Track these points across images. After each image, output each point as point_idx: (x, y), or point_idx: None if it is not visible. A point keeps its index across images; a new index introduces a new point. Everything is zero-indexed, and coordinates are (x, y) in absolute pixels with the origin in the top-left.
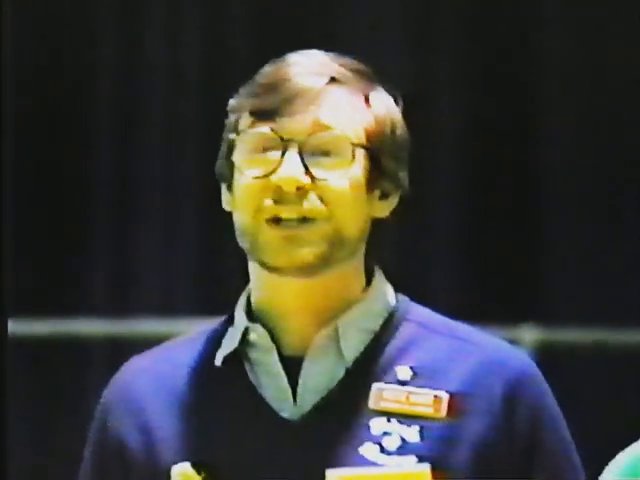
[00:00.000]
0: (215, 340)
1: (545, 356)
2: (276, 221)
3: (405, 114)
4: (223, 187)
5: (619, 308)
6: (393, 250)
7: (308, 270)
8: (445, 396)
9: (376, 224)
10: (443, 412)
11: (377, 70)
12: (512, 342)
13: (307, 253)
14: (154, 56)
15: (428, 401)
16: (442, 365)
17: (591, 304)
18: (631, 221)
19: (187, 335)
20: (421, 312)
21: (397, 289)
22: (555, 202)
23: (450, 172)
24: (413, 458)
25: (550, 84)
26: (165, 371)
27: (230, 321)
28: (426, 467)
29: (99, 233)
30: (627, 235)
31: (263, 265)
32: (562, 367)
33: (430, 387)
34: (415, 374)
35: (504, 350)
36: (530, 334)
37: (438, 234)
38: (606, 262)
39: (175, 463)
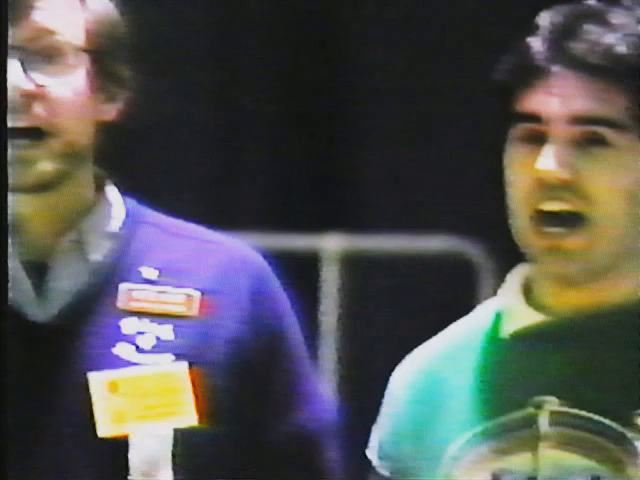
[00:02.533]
0: None
1: (349, 264)
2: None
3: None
4: None
5: (422, 215)
6: (199, 153)
7: (43, 187)
8: (197, 294)
9: (104, 127)
10: (195, 310)
11: None
12: (318, 251)
13: (40, 171)
14: None
15: (180, 300)
16: (187, 265)
17: (396, 211)
18: (433, 131)
19: None
20: (155, 215)
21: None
22: (359, 111)
23: (258, 74)
24: (170, 356)
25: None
26: None
27: None
28: (184, 365)
29: None
30: (429, 141)
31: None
32: (365, 275)
33: (178, 286)
34: (160, 274)
35: (244, 248)
36: (334, 242)
37: (245, 141)
38: (409, 170)
39: None
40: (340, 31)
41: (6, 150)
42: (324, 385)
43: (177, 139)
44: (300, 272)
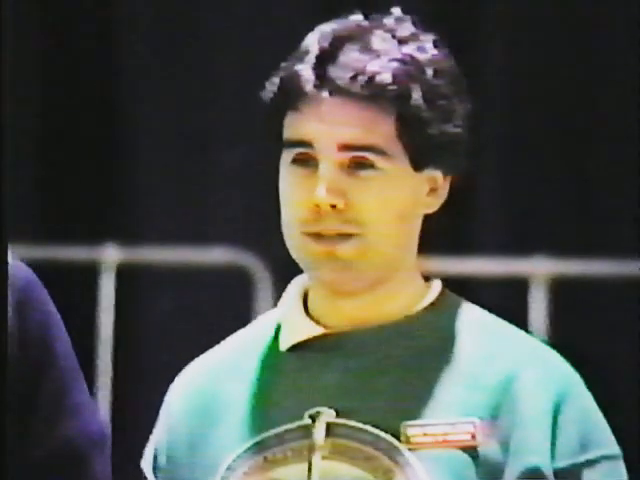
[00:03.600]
0: None
1: (127, 276)
2: None
3: None
4: None
5: (202, 227)
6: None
7: None
8: None
9: None
10: None
11: None
12: (96, 262)
13: None
14: None
15: None
16: None
17: (175, 223)
18: (213, 142)
19: None
20: None
21: None
22: (134, 119)
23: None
24: None
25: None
26: None
27: None
28: None
29: None
30: (211, 152)
31: None
32: (144, 286)
33: None
34: None
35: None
36: (112, 254)
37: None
38: (189, 181)
39: None
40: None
41: (7, 150)
42: (97, 396)
43: None
44: (77, 283)
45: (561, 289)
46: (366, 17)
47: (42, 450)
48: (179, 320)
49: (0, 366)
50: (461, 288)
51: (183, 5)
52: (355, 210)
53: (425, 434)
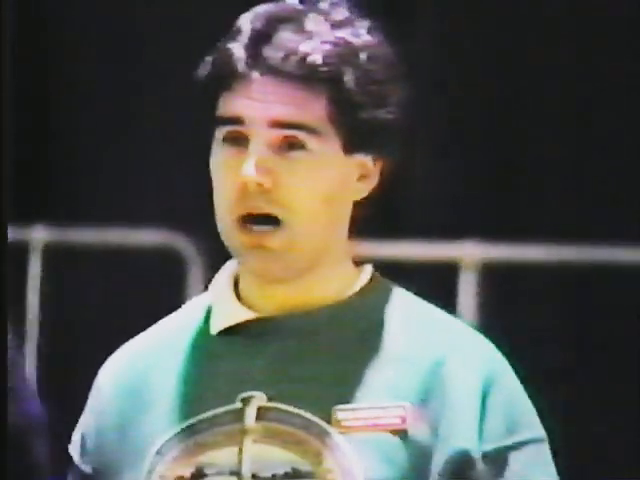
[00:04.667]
0: None
1: (56, 256)
2: None
3: None
4: None
5: (134, 208)
6: None
7: None
8: None
9: None
10: None
11: None
12: (25, 242)
13: None
14: None
15: None
16: None
17: (108, 204)
18: (146, 125)
19: None
20: None
21: None
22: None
23: None
24: None
25: None
26: None
27: None
28: None
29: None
30: (143, 135)
31: None
32: (74, 267)
33: None
34: None
35: None
36: (41, 234)
37: None
38: (121, 163)
39: None
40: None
41: (6, 154)
42: (30, 379)
43: None
44: (7, 264)
45: (490, 274)
46: (301, 1)
47: None
48: (109, 302)
49: (1, 366)
50: (391, 272)
51: None
52: (282, 191)
53: (355, 418)
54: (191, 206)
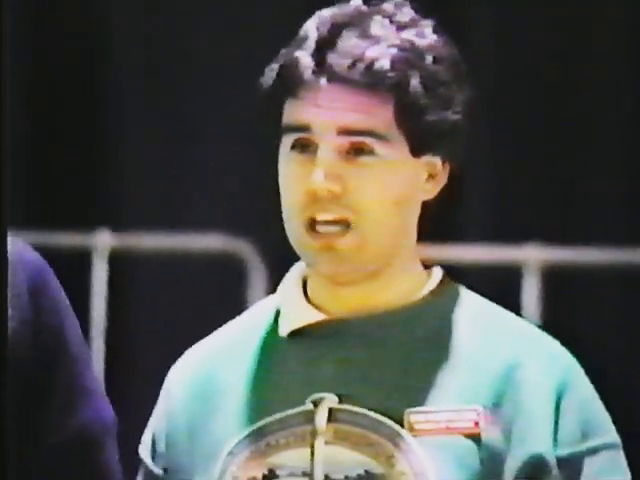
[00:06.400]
0: None
1: (120, 262)
2: None
3: None
4: None
5: (196, 214)
6: None
7: None
8: None
9: None
10: None
11: None
12: (88, 248)
13: None
14: None
15: None
16: None
17: (170, 209)
18: (208, 131)
19: None
20: None
21: None
22: (118, 106)
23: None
24: None
25: None
26: None
27: None
28: None
29: None
30: (205, 141)
31: None
32: (138, 273)
33: None
34: None
35: (19, 246)
36: (105, 240)
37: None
38: (181, 168)
39: None
40: None
41: (6, 150)
42: (100, 383)
43: None
44: (70, 269)
45: (553, 277)
46: (365, 2)
47: (58, 437)
48: (172, 307)
49: (1, 365)
50: (454, 275)
51: None
52: (352, 196)
53: (428, 421)
54: (253, 212)
